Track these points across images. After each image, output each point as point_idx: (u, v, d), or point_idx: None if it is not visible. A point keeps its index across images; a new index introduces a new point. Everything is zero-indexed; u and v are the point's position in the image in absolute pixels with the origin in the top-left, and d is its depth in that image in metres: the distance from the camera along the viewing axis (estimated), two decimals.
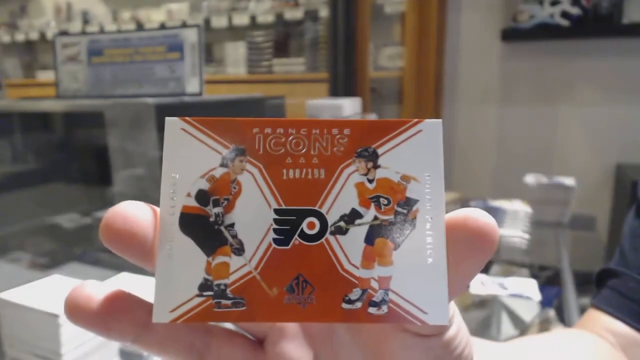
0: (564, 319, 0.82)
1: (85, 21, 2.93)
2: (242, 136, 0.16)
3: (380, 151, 0.16)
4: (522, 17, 1.68)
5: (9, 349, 0.57)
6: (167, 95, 0.95)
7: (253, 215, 0.15)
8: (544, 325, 0.78)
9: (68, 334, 0.53)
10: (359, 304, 0.15)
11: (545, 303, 0.86)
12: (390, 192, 0.16)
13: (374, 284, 0.15)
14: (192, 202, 0.15)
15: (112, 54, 1.01)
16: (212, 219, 0.15)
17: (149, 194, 0.85)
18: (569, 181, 1.30)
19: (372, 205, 0.16)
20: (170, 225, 0.15)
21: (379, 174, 0.16)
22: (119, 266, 0.66)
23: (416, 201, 0.15)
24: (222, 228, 0.15)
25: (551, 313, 0.80)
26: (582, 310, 0.82)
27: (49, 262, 0.93)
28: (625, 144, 1.67)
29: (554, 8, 1.64)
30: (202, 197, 0.15)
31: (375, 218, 0.15)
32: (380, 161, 0.16)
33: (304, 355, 0.19)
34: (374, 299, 0.15)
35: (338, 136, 0.16)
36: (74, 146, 1.14)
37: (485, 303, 0.84)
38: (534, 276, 0.99)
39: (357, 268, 0.15)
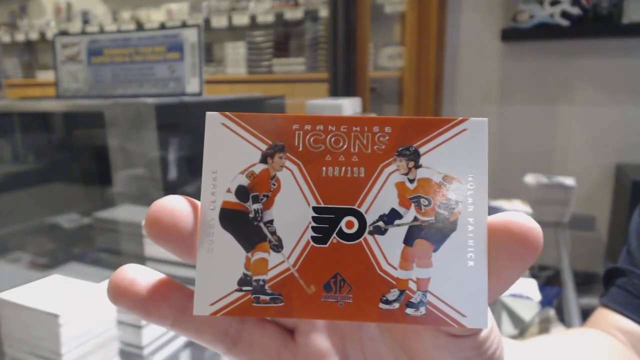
0: (564, 319, 0.82)
1: (85, 21, 2.93)
2: (282, 132, 0.16)
3: (422, 150, 0.15)
4: (522, 17, 1.68)
5: (9, 349, 0.57)
6: (167, 95, 0.95)
7: (292, 212, 0.15)
8: (544, 325, 0.78)
9: (68, 334, 0.53)
10: (396, 305, 0.15)
11: (545, 303, 0.86)
12: (432, 193, 0.15)
13: (412, 285, 0.15)
14: (232, 198, 0.16)
15: (112, 54, 1.01)
16: (251, 215, 0.16)
17: (149, 194, 0.85)
18: (569, 181, 1.30)
19: (413, 205, 0.15)
20: (210, 220, 0.15)
21: (420, 173, 0.15)
22: (119, 266, 0.66)
23: (458, 203, 0.15)
24: (261, 224, 0.15)
25: (551, 313, 0.80)
26: (582, 310, 0.82)
27: (49, 262, 0.93)
28: (625, 144, 1.67)
29: (554, 8, 1.64)
30: (242, 193, 0.16)
31: (415, 219, 0.15)
32: (421, 161, 0.15)
33: (333, 347, 0.20)
34: (412, 300, 0.15)
35: (379, 134, 0.16)
36: (74, 146, 1.14)
37: None
38: (534, 276, 0.99)
39: (395, 269, 0.15)
